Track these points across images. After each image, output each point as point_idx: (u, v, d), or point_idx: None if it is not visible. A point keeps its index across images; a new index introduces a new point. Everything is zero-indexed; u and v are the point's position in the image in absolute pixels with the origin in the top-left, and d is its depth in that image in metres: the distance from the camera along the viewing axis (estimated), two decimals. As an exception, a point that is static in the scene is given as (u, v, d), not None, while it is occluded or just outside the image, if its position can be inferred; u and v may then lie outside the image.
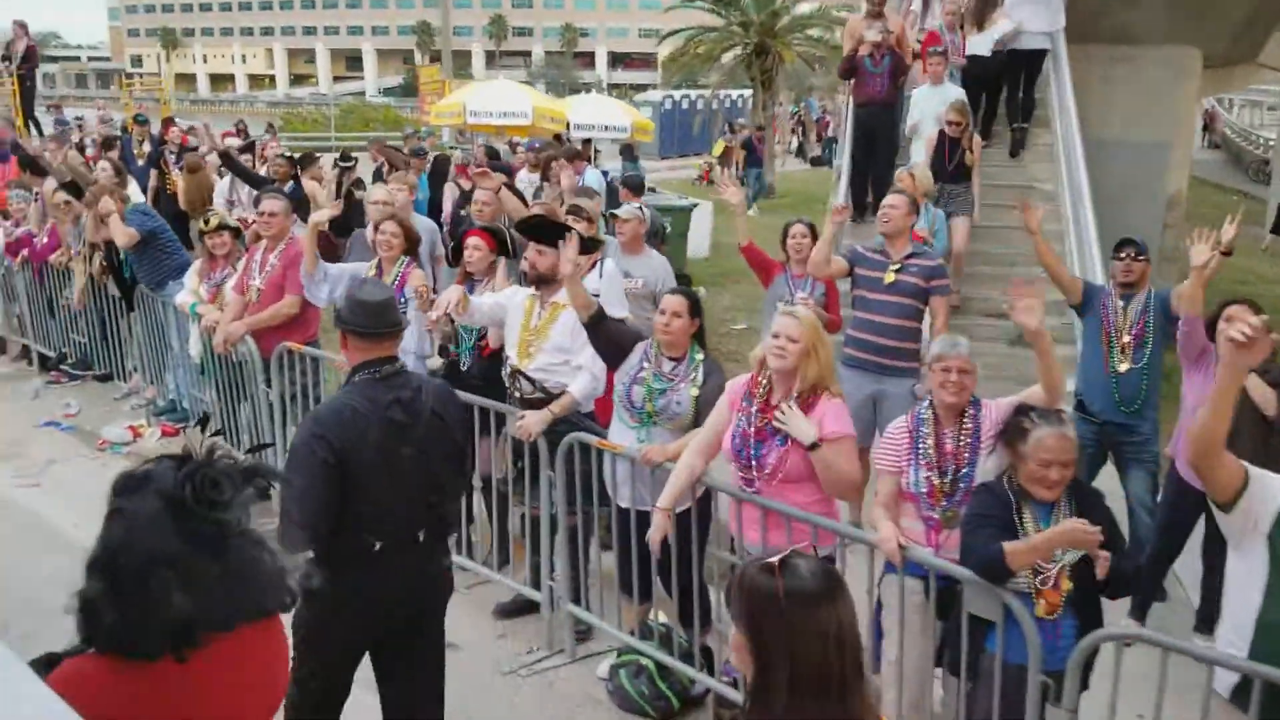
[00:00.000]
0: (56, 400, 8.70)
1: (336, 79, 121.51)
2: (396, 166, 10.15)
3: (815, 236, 6.05)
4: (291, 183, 9.35)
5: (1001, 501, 3.49)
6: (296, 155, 10.42)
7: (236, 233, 7.19)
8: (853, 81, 9.92)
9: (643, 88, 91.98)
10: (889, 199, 5.83)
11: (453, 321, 5.77)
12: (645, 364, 4.50)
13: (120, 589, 1.42)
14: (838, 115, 34.75)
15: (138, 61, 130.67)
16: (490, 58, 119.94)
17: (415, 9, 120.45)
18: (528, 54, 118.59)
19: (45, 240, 8.92)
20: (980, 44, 9.81)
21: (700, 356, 4.48)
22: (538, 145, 12.17)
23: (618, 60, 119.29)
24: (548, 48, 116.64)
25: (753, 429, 3.89)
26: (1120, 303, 5.26)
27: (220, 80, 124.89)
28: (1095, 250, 7.90)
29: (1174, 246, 12.59)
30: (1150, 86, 12.78)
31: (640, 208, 6.54)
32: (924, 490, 3.80)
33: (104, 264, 8.08)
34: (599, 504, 4.80)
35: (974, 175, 8.76)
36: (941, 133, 8.67)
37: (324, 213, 5.81)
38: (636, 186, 10.75)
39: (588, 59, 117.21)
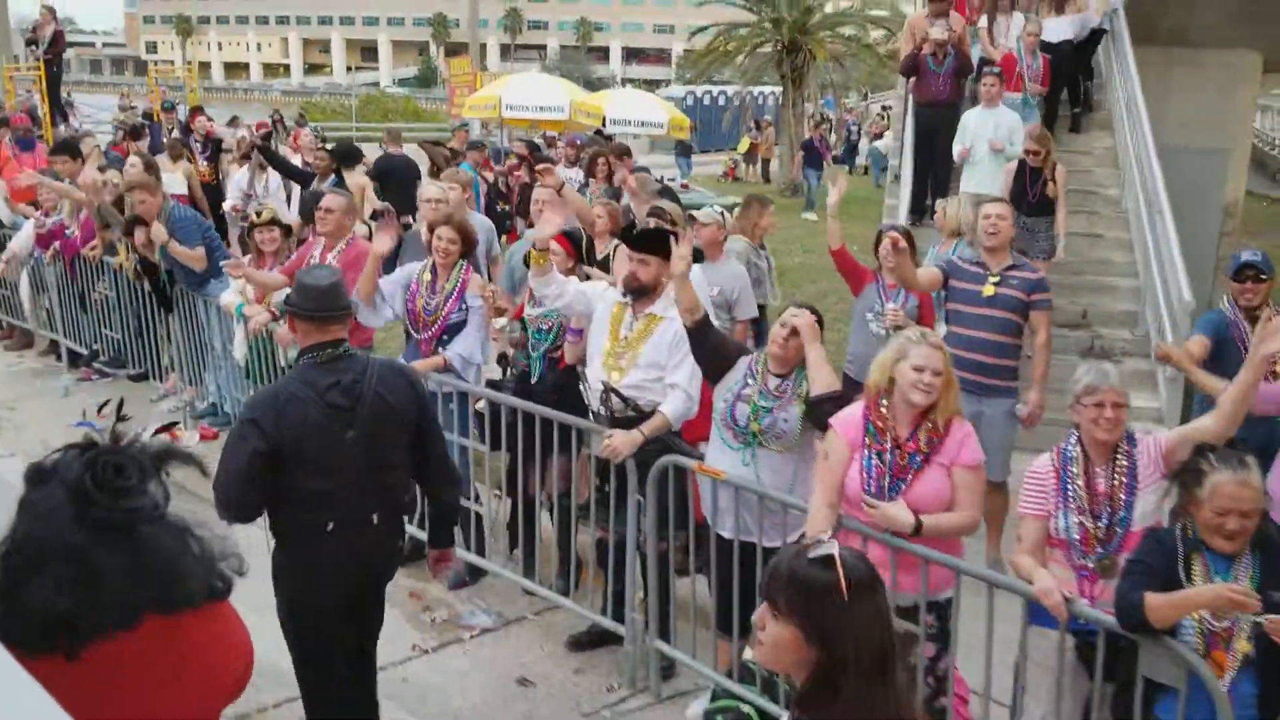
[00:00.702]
0: (88, 398, 8.40)
1: (351, 69, 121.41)
2: (440, 166, 9.80)
3: (912, 245, 5.70)
4: (333, 176, 9.01)
5: (1167, 551, 3.15)
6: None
7: (286, 230, 6.87)
8: (913, 80, 9.57)
9: (657, 83, 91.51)
10: (994, 208, 5.47)
11: (525, 327, 5.46)
12: (750, 380, 4.16)
13: (13, 582, 1.35)
14: (858, 114, 34.62)
15: (153, 48, 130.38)
16: (505, 50, 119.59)
17: (432, 0, 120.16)
18: (542, 47, 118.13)
19: (78, 232, 8.61)
20: (1059, 29, 9.45)
21: (806, 371, 4.15)
22: (580, 140, 11.84)
23: (632, 55, 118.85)
24: (562, 42, 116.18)
25: (888, 469, 3.55)
26: (1250, 325, 4.90)
27: (235, 68, 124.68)
28: (1179, 265, 7.53)
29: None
30: (1209, 91, 12.39)
31: (722, 211, 6.18)
32: (1076, 536, 3.46)
33: (138, 268, 7.74)
34: (680, 528, 4.49)
35: (1058, 208, 7.90)
36: (1021, 161, 7.95)
37: (385, 242, 5.44)
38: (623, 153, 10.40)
39: (602, 54, 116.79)
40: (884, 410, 3.63)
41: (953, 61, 9.11)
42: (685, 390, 4.54)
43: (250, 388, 6.82)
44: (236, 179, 10.35)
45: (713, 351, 4.26)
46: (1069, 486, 3.49)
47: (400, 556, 3.86)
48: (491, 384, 5.84)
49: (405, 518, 3.98)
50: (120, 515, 1.37)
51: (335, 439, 3.34)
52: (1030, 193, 7.82)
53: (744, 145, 26.94)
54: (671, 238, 4.31)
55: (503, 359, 6.18)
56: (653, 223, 5.31)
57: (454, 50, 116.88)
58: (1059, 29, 9.70)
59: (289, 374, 3.47)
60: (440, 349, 5.53)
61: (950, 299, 5.54)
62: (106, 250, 8.28)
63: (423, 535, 4.39)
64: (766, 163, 26.87)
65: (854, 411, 3.74)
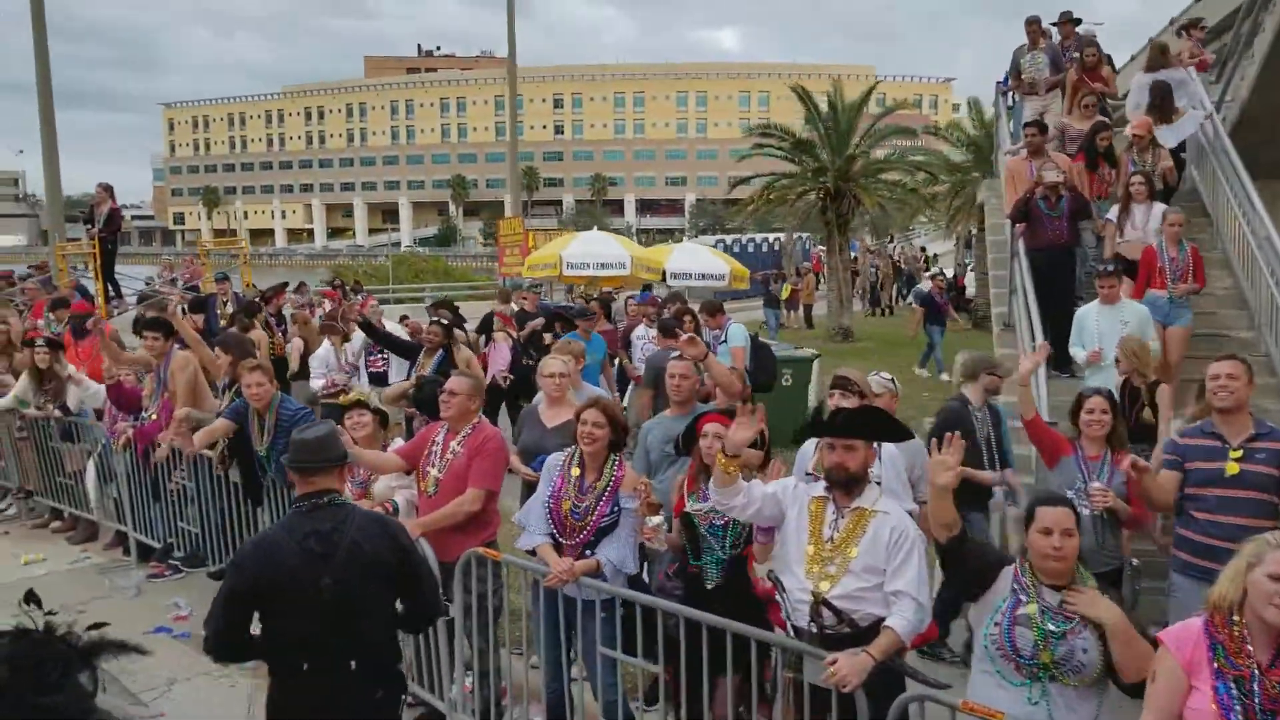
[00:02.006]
0: (161, 598, 7.70)
1: (372, 231, 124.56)
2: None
3: (1114, 410, 5.04)
4: (441, 353, 8.48)
5: None
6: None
7: (381, 416, 6.30)
8: (1022, 225, 9.12)
9: (669, 232, 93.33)
10: (1226, 366, 4.76)
11: (693, 524, 4.78)
12: (1023, 596, 3.46)
13: None
14: (880, 257, 34.47)
15: (180, 219, 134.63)
16: (524, 208, 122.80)
17: (450, 164, 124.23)
18: (558, 203, 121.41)
19: (153, 417, 8.07)
20: (1168, 137, 9.07)
21: (1091, 580, 3.45)
22: (656, 297, 11.43)
23: (645, 207, 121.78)
24: (578, 196, 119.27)
25: (1256, 702, 2.82)
26: None
27: (260, 235, 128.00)
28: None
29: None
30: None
31: (892, 380, 5.58)
32: None
33: (224, 453, 7.17)
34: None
35: (1159, 433, 6.18)
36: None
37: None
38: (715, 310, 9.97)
39: (616, 206, 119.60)
40: (1235, 628, 2.93)
41: (1067, 203, 8.66)
42: (914, 598, 3.80)
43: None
44: (321, 354, 9.92)
45: (975, 570, 3.58)
46: None
47: (390, 709, 3.83)
48: (635, 583, 5.13)
49: (400, 674, 3.94)
50: (36, 709, 1.35)
51: (310, 584, 3.53)
52: (1129, 414, 6.28)
53: (786, 291, 26.75)
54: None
55: (647, 557, 5.49)
56: (839, 395, 4.71)
57: (472, 210, 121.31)
58: (1169, 137, 9.31)
59: (279, 522, 3.75)
60: (588, 551, 4.88)
61: (1185, 481, 4.83)
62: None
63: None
64: (809, 308, 26.64)
65: (1191, 627, 3.04)
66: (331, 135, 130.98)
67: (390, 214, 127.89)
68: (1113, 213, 9.07)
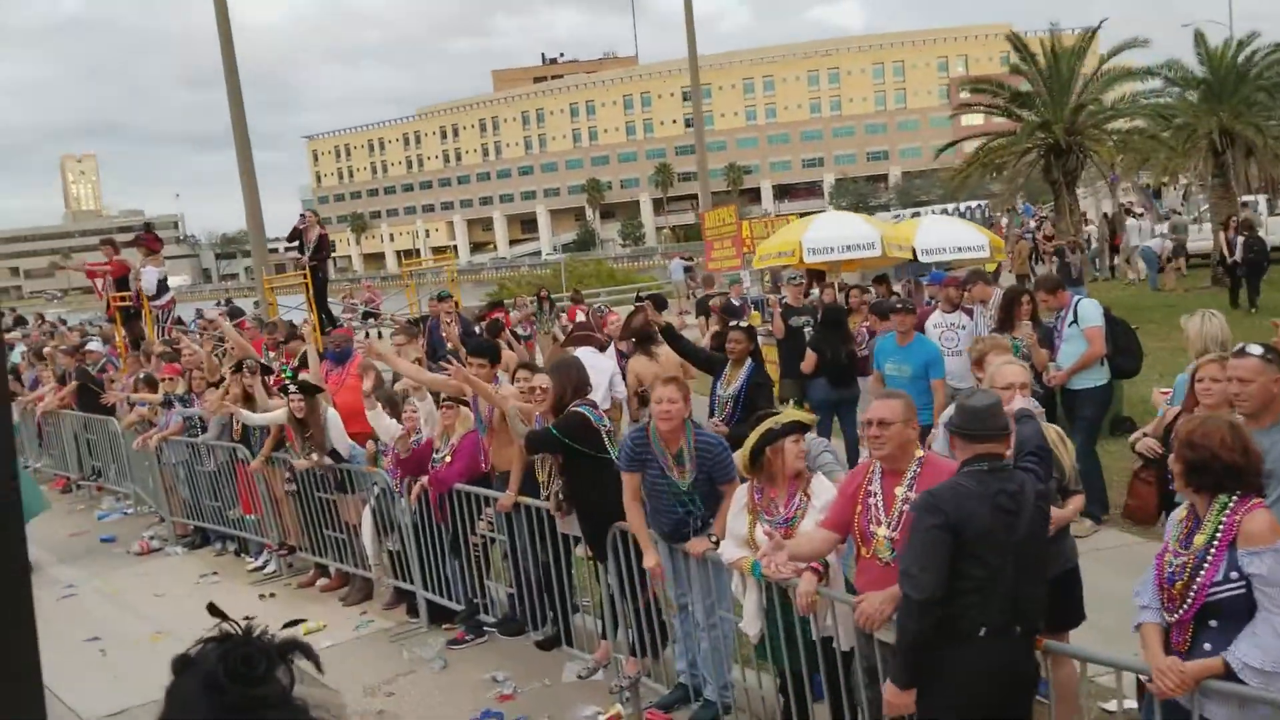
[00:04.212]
0: (473, 671, 6.57)
1: (513, 242, 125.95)
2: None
3: None
4: (750, 364, 7.12)
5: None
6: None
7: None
8: None
9: (808, 215, 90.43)
10: None
11: None
12: None
13: None
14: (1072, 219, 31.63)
15: (300, 249, 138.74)
16: (658, 205, 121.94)
17: (584, 168, 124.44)
18: (694, 197, 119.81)
19: (447, 459, 6.95)
20: None
21: None
22: (956, 276, 9.85)
23: (783, 192, 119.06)
24: (713, 188, 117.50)
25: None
26: None
27: (407, 255, 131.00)
28: None
29: None
30: None
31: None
32: None
33: (561, 498, 5.96)
34: None
35: None
36: None
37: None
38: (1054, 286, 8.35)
39: (753, 194, 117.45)
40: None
41: None
42: None
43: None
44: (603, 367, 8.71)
45: None
46: None
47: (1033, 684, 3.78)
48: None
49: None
50: (248, 700, 1.51)
51: (1003, 541, 3.52)
52: None
53: (992, 266, 24.55)
54: None
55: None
56: None
57: (608, 212, 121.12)
58: None
59: (955, 477, 3.68)
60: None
61: None
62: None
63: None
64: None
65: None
66: (467, 151, 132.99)
67: (528, 224, 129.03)
68: None
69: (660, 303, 12.79)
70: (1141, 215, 23.39)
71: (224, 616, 1.70)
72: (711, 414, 7.09)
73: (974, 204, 34.16)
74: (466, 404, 6.98)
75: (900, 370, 8.05)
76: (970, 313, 9.50)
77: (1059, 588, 4.34)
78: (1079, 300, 8.13)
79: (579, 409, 5.52)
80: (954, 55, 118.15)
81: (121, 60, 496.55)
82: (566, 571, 6.19)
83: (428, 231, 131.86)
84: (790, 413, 4.68)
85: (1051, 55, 19.26)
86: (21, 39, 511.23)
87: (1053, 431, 4.55)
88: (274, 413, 8.36)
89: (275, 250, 21.81)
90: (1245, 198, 21.91)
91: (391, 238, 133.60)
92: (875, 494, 4.15)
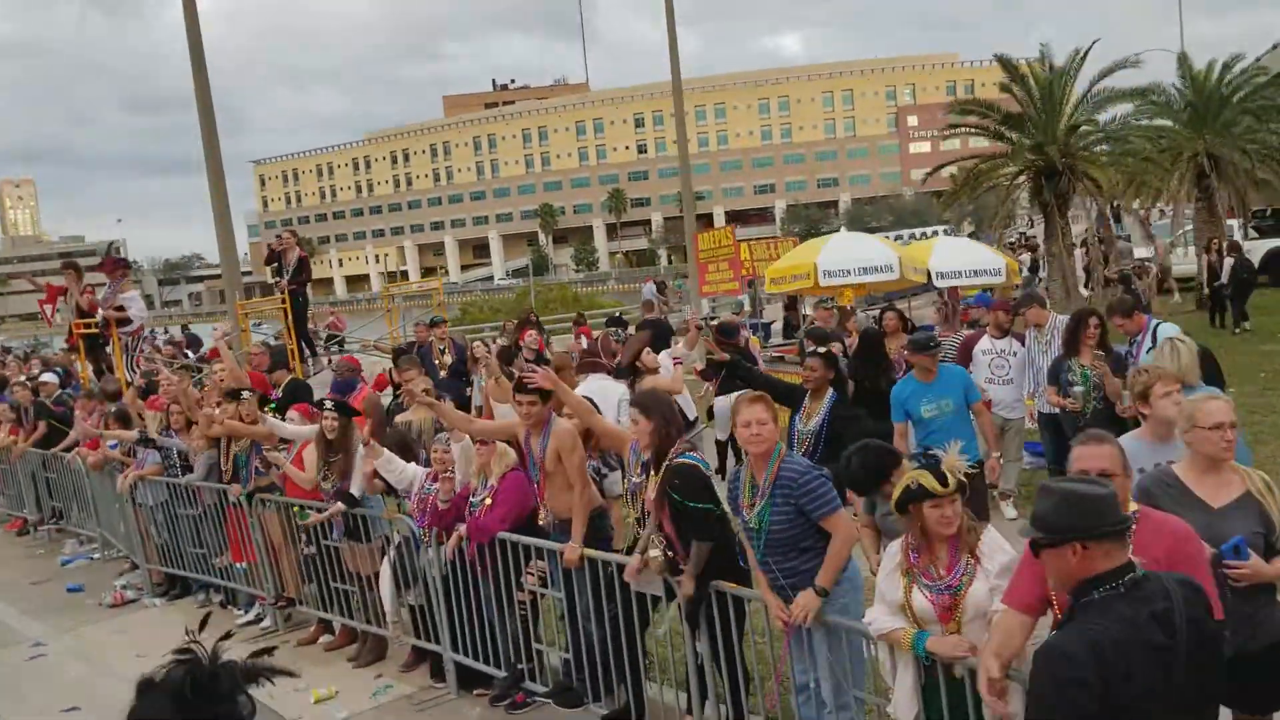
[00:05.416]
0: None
1: (464, 267, 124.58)
2: None
3: None
4: (831, 394, 6.42)
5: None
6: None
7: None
8: None
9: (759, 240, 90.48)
10: None
11: None
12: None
13: None
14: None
15: (278, 272, 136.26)
16: (611, 230, 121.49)
17: (536, 193, 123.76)
18: (647, 222, 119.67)
19: (487, 501, 6.14)
20: None
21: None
22: (1008, 300, 9.27)
23: (735, 218, 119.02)
24: (666, 214, 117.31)
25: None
26: None
27: (355, 281, 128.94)
28: None
29: None
30: None
31: None
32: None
33: (667, 554, 5.19)
34: None
35: None
36: None
37: None
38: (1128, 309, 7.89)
39: (706, 220, 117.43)
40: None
41: None
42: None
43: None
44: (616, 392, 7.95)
45: None
46: None
47: None
48: None
49: None
50: (209, 717, 1.62)
51: (1160, 689, 2.60)
52: None
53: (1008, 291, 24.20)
54: None
55: None
56: None
57: (561, 237, 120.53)
58: None
59: (1085, 615, 2.65)
60: None
61: None
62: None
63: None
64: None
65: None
66: (418, 176, 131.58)
67: (480, 249, 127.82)
68: None
69: (619, 323, 12.16)
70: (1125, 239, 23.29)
71: (195, 640, 1.77)
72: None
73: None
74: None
75: (942, 408, 7.25)
76: (1021, 338, 8.94)
77: (1266, 664, 3.70)
78: (1158, 324, 7.57)
79: (688, 460, 4.78)
80: (901, 84, 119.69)
81: (59, 85, 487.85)
82: (641, 635, 5.40)
83: (377, 257, 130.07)
84: (918, 474, 3.94)
85: (1049, 71, 18.95)
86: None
87: (1257, 479, 3.90)
88: (304, 428, 7.52)
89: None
90: (1230, 221, 21.87)
91: (340, 263, 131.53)
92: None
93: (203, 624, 1.83)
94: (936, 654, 3.71)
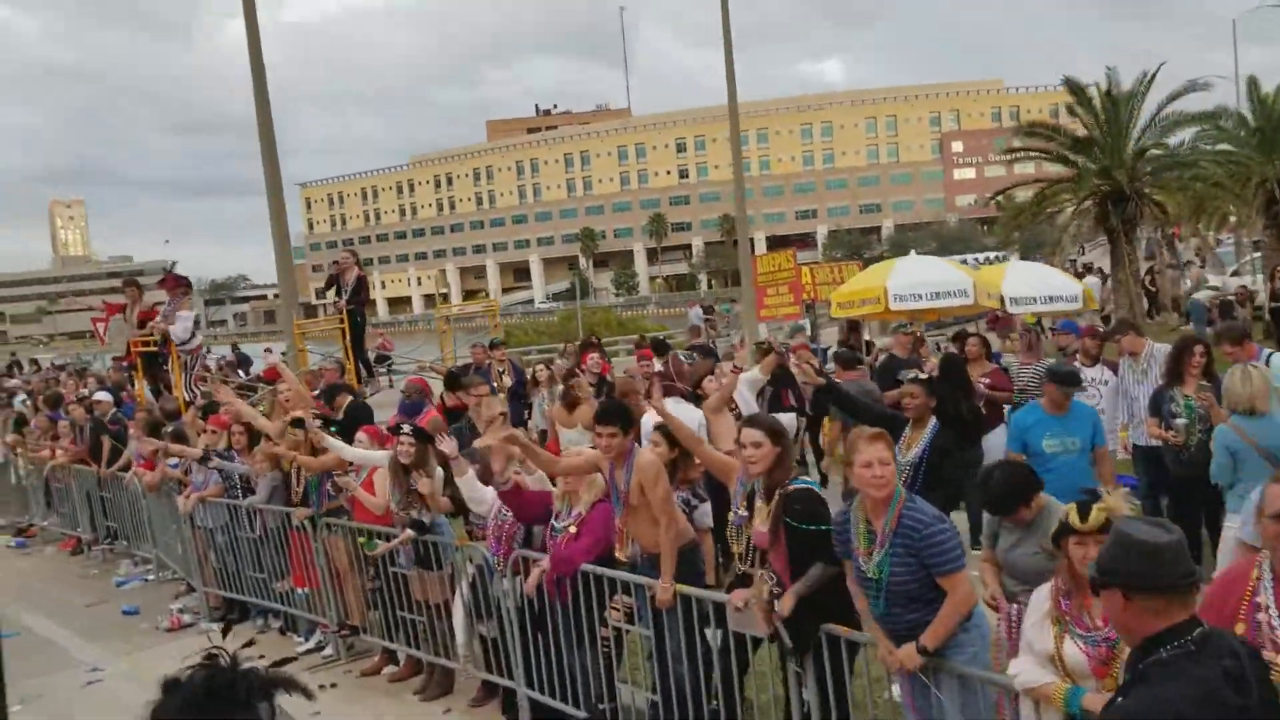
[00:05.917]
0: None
1: (505, 290, 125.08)
2: None
3: None
4: (934, 423, 6.07)
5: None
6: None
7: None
8: None
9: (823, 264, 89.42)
10: None
11: None
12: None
13: None
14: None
15: (321, 294, 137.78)
16: (651, 255, 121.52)
17: (578, 217, 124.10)
18: (687, 246, 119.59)
19: (572, 529, 5.85)
20: None
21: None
22: (1095, 326, 8.88)
23: (778, 243, 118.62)
24: (706, 239, 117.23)
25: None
26: None
27: (396, 303, 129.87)
28: None
29: None
30: None
31: None
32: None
33: (772, 595, 4.87)
34: None
35: None
36: None
37: None
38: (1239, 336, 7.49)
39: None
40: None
41: None
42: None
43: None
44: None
45: None
46: None
47: None
48: None
49: None
50: None
51: None
52: None
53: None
54: None
55: None
56: None
57: (601, 261, 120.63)
58: None
59: (1157, 679, 2.40)
60: None
61: None
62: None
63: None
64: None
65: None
66: (460, 200, 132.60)
67: (521, 272, 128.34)
68: None
69: (663, 346, 11.89)
70: (1189, 266, 22.68)
71: (219, 647, 1.82)
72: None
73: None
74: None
75: (1067, 446, 6.80)
76: (1114, 366, 8.53)
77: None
78: (1271, 355, 7.14)
79: (804, 484, 4.46)
80: (945, 110, 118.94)
81: (110, 107, 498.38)
82: (739, 679, 5.06)
83: (419, 279, 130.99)
84: (1069, 507, 3.61)
85: (1114, 94, 18.50)
86: (8, 85, 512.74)
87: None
88: (374, 452, 7.27)
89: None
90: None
91: (383, 285, 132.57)
92: (1269, 609, 3.09)
93: (225, 633, 2.21)
94: (1094, 713, 3.36)
